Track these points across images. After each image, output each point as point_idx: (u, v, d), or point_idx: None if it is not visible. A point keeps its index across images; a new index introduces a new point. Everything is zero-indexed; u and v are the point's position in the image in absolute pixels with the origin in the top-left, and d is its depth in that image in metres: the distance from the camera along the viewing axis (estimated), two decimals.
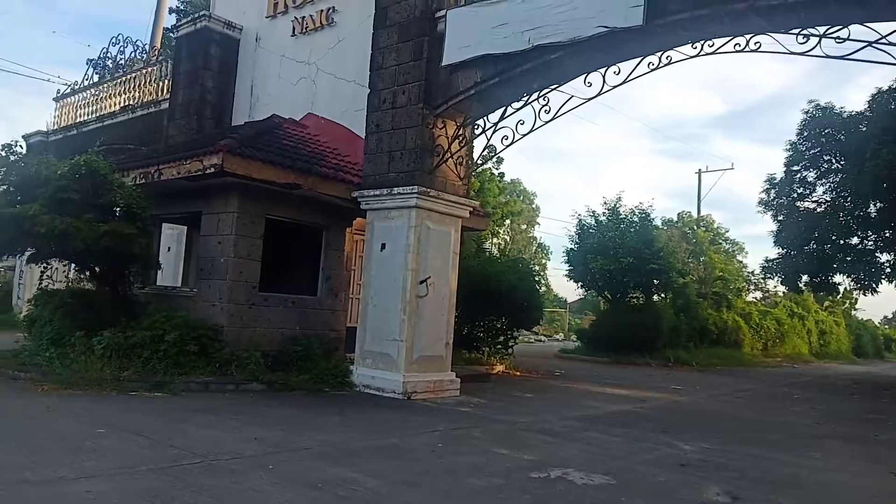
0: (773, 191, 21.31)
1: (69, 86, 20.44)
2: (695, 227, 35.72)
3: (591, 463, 6.52)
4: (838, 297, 32.05)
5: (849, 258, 20.44)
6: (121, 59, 18.80)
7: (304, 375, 10.32)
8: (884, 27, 7.40)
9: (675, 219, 43.03)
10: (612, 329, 22.11)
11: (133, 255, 10.09)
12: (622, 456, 7.08)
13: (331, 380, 10.45)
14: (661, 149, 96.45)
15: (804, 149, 20.62)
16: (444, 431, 7.71)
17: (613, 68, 9.49)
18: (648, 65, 9.23)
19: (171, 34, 17.98)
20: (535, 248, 54.04)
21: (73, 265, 10.84)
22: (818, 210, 20.56)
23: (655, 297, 24.45)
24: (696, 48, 8.90)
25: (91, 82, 19.55)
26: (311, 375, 10.38)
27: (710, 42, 8.78)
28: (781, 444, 8.68)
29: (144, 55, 18.31)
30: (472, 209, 11.69)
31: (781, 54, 8.29)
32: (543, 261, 52.32)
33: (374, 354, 10.58)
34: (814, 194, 20.88)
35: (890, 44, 7.38)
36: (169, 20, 26.29)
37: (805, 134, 20.55)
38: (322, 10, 13.87)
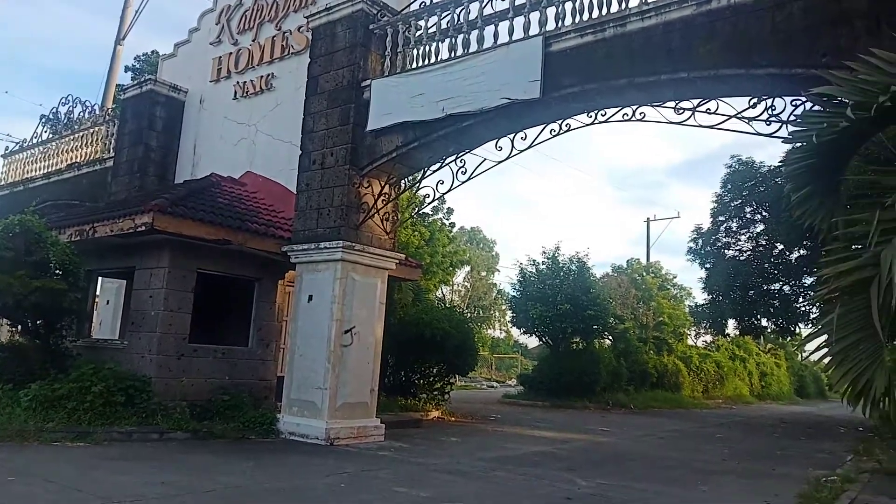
0: (700, 240, 22.55)
1: (18, 143, 20.87)
2: (643, 274, 36.99)
3: (481, 498, 7.08)
4: (789, 339, 33.19)
5: (773, 303, 21.65)
6: (70, 118, 19.34)
7: (230, 424, 10.69)
8: (743, 101, 8.41)
9: (626, 265, 44.52)
10: (552, 374, 22.70)
11: (63, 309, 10.50)
12: (515, 492, 7.65)
13: (257, 428, 10.83)
14: (624, 196, 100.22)
15: (728, 200, 22.00)
16: (352, 473, 8.19)
17: (520, 134, 10.38)
18: (550, 131, 10.13)
19: (120, 96, 18.64)
20: (494, 294, 54.76)
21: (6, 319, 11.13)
22: (742, 258, 21.80)
23: (596, 343, 25.23)
24: (590, 117, 9.86)
25: (40, 140, 20.00)
26: (238, 424, 10.77)
27: (602, 112, 9.76)
28: (678, 479, 9.34)
29: (92, 114, 18.85)
30: (398, 261, 12.35)
31: (662, 123, 9.29)
32: (503, 307, 52.89)
33: (300, 402, 11.02)
34: (738, 243, 22.17)
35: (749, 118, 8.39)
36: (124, 77, 27.06)
37: (728, 186, 21.98)
38: (262, 76, 14.68)
